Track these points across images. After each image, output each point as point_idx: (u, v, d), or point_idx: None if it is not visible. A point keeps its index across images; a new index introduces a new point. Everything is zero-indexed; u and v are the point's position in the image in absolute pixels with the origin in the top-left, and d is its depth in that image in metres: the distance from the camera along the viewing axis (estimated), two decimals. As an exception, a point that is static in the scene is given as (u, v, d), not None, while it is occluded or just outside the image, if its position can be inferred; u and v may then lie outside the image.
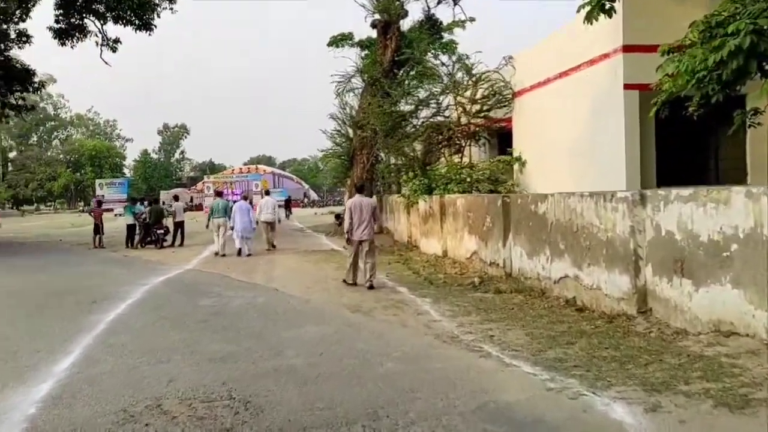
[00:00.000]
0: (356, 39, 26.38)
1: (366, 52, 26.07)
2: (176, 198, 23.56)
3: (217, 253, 17.26)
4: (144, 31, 24.43)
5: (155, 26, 24.52)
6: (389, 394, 4.99)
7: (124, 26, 24.28)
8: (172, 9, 24.49)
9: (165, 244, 20.48)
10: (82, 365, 6.18)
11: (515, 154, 17.58)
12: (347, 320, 8.18)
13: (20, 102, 26.03)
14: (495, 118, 18.59)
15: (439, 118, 19.89)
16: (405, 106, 21.16)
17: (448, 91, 19.45)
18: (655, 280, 7.04)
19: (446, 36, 24.37)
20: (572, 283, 8.67)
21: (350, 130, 25.73)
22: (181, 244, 20.74)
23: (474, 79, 18.61)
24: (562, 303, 8.61)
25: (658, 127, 12.60)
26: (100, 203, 24.96)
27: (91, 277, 13.74)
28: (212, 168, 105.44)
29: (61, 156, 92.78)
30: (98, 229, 21.57)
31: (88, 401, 5.04)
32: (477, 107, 18.47)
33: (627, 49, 12.33)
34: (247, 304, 9.56)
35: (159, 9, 24.18)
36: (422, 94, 20.94)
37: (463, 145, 19.42)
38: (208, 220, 18.39)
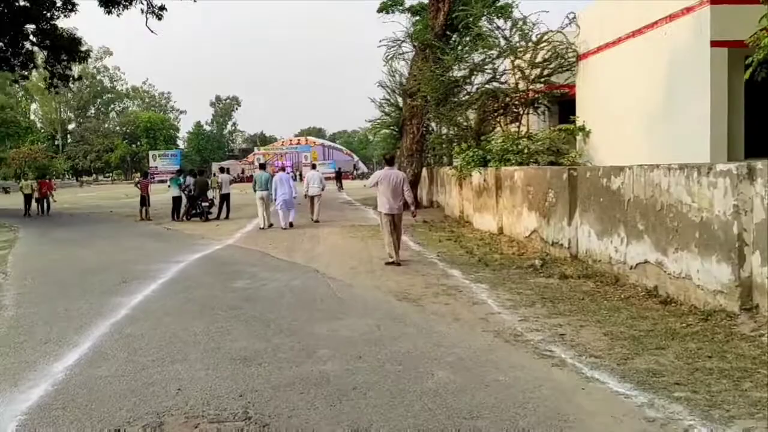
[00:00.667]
0: (407, 5, 25.18)
1: (417, 18, 24.82)
2: (222, 170, 22.98)
3: (261, 227, 16.70)
4: (189, -2, 23.82)
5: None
6: (441, 419, 3.96)
7: (169, -7, 23.72)
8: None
9: (210, 216, 20.03)
10: (87, 363, 5.38)
11: (578, 122, 16.13)
12: (392, 311, 7.18)
13: (67, 72, 25.88)
14: (556, 84, 17.13)
15: (495, 85, 18.41)
16: (458, 72, 19.76)
17: (505, 55, 17.97)
18: (764, 271, 5.80)
19: (502, -1, 22.74)
20: (654, 269, 7.46)
21: (400, 99, 24.60)
22: (227, 217, 20.36)
23: (534, 40, 17.09)
24: (641, 293, 7.43)
25: (746, 90, 11.04)
26: (146, 175, 24.63)
27: (128, 252, 13.22)
28: (263, 140, 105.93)
29: (118, 128, 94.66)
30: (145, 201, 21.33)
31: (78, 415, 4.20)
32: (537, 72, 16.98)
33: (715, 0, 10.79)
34: (283, 288, 8.67)
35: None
36: (477, 58, 19.47)
37: (521, 113, 18.01)
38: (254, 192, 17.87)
